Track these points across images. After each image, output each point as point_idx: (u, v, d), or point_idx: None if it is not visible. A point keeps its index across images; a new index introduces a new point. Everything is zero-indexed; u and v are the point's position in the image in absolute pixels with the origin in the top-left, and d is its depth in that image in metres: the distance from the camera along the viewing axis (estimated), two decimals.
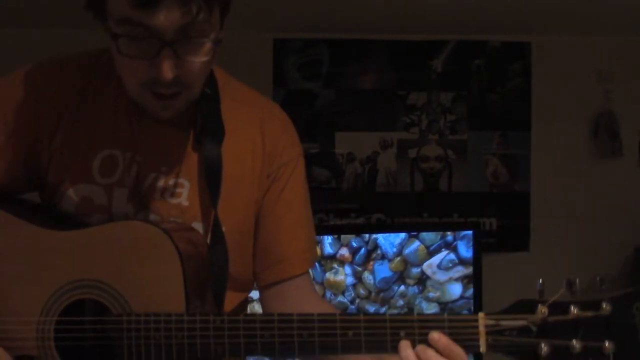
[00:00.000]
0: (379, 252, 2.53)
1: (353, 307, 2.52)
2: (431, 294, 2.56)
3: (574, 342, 0.95)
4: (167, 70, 1.00)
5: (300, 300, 1.20)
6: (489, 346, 0.97)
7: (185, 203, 1.15)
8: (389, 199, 2.87)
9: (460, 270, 2.58)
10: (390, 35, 2.86)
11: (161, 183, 1.14)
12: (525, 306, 0.98)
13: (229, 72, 1.31)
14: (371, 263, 2.54)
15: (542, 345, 0.96)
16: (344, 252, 2.50)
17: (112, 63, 1.12)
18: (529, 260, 2.85)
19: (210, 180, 1.14)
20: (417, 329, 0.99)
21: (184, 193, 1.15)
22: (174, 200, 1.14)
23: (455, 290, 2.58)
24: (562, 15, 2.59)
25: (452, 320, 0.99)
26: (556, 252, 2.77)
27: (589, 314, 0.96)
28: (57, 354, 1.08)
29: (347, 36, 2.85)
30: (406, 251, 2.53)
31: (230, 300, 1.17)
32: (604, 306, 0.95)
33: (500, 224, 2.88)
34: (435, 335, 0.98)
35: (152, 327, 1.05)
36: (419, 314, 1.00)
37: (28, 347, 1.08)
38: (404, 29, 2.80)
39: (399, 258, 2.54)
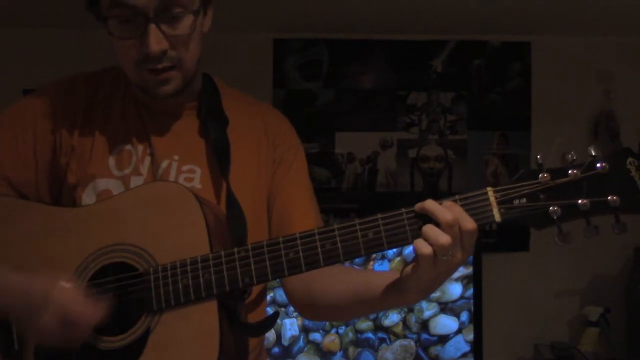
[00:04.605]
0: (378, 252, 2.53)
1: None
2: (431, 295, 2.56)
3: (581, 200, 1.00)
4: (154, 44, 1.11)
5: (320, 271, 1.19)
6: (503, 215, 1.03)
7: (199, 186, 1.21)
8: (389, 199, 2.87)
9: (460, 270, 2.58)
10: (390, 35, 2.86)
11: (174, 169, 1.22)
12: (529, 176, 1.03)
13: (229, 72, 1.34)
14: (371, 263, 2.54)
15: (552, 207, 1.00)
16: None
17: (118, 73, 1.24)
18: (529, 260, 2.85)
19: (220, 159, 1.21)
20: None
21: (196, 178, 1.22)
22: (188, 184, 1.20)
23: (455, 290, 2.59)
24: (562, 15, 2.59)
25: (463, 199, 1.04)
26: (556, 252, 2.77)
27: (589, 173, 1.00)
28: None
29: (347, 36, 2.85)
30: (406, 251, 2.53)
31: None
32: (599, 165, 1.00)
33: (500, 224, 2.87)
34: (448, 203, 1.02)
35: (178, 271, 1.08)
36: (432, 199, 1.03)
37: None
38: (404, 29, 2.80)
39: (399, 258, 2.54)
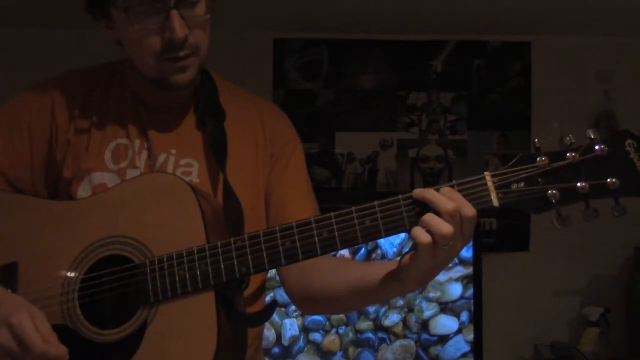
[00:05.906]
0: (379, 251, 2.53)
1: None
2: (431, 294, 2.56)
3: (580, 183, 0.97)
4: (179, 29, 1.12)
5: (318, 263, 1.19)
6: (501, 200, 1.00)
7: (196, 180, 1.21)
8: None
9: (460, 270, 2.58)
10: (390, 35, 2.85)
11: (171, 163, 1.21)
12: (527, 160, 1.01)
13: (229, 71, 1.34)
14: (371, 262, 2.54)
15: (551, 191, 0.98)
16: (344, 251, 2.50)
17: (113, 70, 1.25)
18: (529, 260, 2.85)
19: (217, 153, 1.20)
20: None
21: (194, 172, 1.22)
22: (185, 178, 1.19)
23: (455, 290, 2.58)
24: (562, 15, 2.59)
25: (460, 184, 1.02)
26: (556, 252, 2.77)
27: (587, 156, 0.98)
28: (81, 312, 1.11)
29: (347, 36, 2.85)
30: (406, 251, 2.53)
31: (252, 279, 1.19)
32: (597, 147, 0.98)
33: (500, 224, 2.88)
34: (446, 189, 1.01)
35: (174, 262, 1.07)
36: (429, 187, 1.02)
37: (54, 313, 1.11)
38: (404, 29, 2.80)
39: (399, 258, 2.54)
